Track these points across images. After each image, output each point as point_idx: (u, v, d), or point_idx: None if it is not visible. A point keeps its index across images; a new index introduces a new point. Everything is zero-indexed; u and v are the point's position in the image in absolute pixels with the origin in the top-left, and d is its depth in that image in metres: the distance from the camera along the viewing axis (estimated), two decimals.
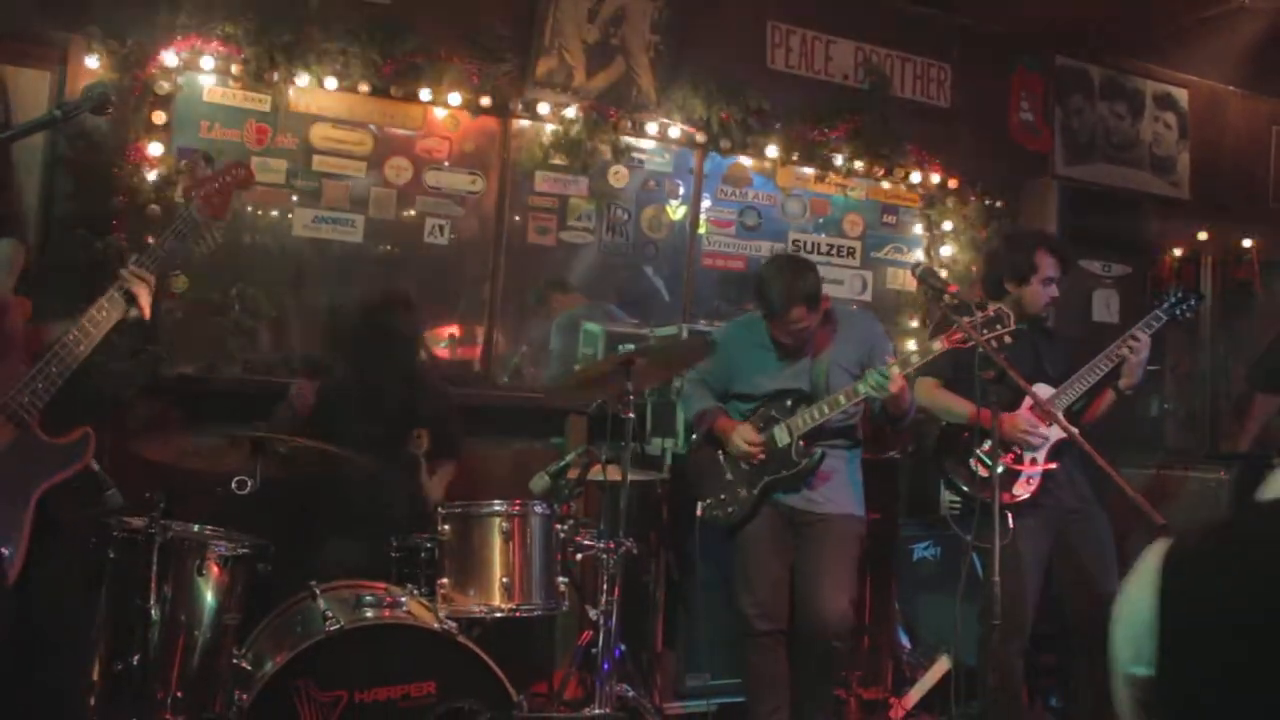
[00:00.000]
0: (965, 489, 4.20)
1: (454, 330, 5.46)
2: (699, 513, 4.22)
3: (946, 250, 6.26)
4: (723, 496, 4.17)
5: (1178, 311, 4.25)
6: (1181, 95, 7.45)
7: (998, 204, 6.30)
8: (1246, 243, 7.40)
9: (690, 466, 4.41)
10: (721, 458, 4.21)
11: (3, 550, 2.69)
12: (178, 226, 3.29)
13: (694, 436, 4.44)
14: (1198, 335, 7.24)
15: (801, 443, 4.04)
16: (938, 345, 3.86)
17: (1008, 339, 3.81)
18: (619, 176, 5.65)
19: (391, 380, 4.27)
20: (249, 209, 4.97)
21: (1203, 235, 7.33)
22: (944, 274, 5.90)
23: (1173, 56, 7.13)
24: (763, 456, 4.07)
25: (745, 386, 4.24)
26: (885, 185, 6.24)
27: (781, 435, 4.07)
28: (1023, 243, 4.51)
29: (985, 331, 3.71)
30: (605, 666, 3.76)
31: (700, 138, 5.65)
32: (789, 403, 4.10)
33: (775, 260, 4.42)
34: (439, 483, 4.35)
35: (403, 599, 3.50)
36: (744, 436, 4.10)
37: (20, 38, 4.48)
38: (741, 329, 4.38)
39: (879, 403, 4.04)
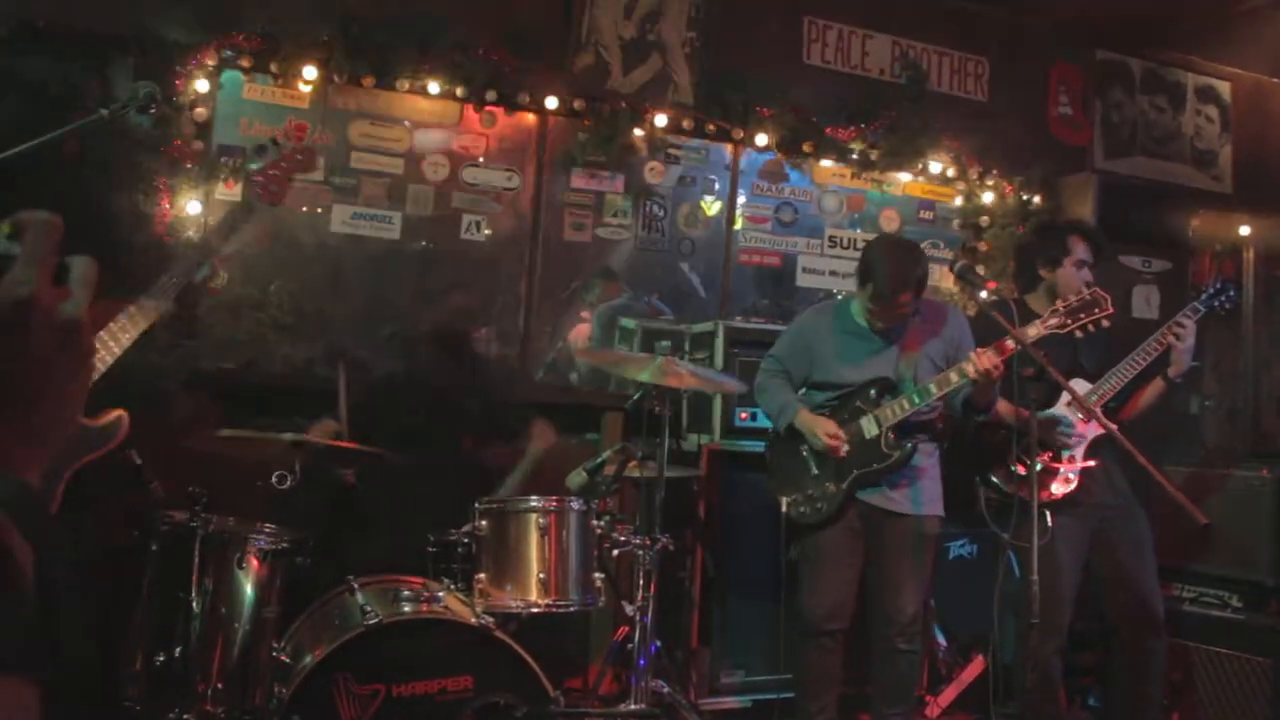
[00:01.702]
0: (1003, 487, 4.17)
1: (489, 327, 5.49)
2: (784, 509, 4.12)
3: (983, 246, 6.22)
4: (810, 493, 4.06)
5: (1216, 303, 4.21)
6: (1224, 88, 7.35)
7: (1036, 199, 6.26)
8: None
9: (770, 462, 4.28)
10: (805, 452, 4.10)
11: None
12: (234, 214, 3.31)
13: (771, 431, 4.34)
14: (1239, 331, 7.14)
15: (891, 435, 3.95)
16: (1033, 332, 3.78)
17: (1105, 323, 3.78)
18: (655, 172, 5.66)
19: (447, 386, 4.30)
20: (288, 206, 5.00)
21: (1245, 229, 7.23)
22: (982, 270, 5.86)
23: (1215, 49, 7.03)
24: (847, 450, 3.96)
25: (827, 375, 4.12)
26: (922, 180, 6.21)
27: (870, 426, 3.96)
28: (1055, 229, 4.51)
29: (1082, 315, 3.70)
30: (641, 662, 3.77)
31: (736, 134, 5.63)
32: (874, 393, 4.00)
33: (884, 242, 4.28)
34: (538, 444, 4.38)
35: (440, 594, 3.51)
36: (826, 430, 3.97)
37: (63, 36, 4.53)
38: (825, 315, 4.28)
39: (962, 396, 3.96)
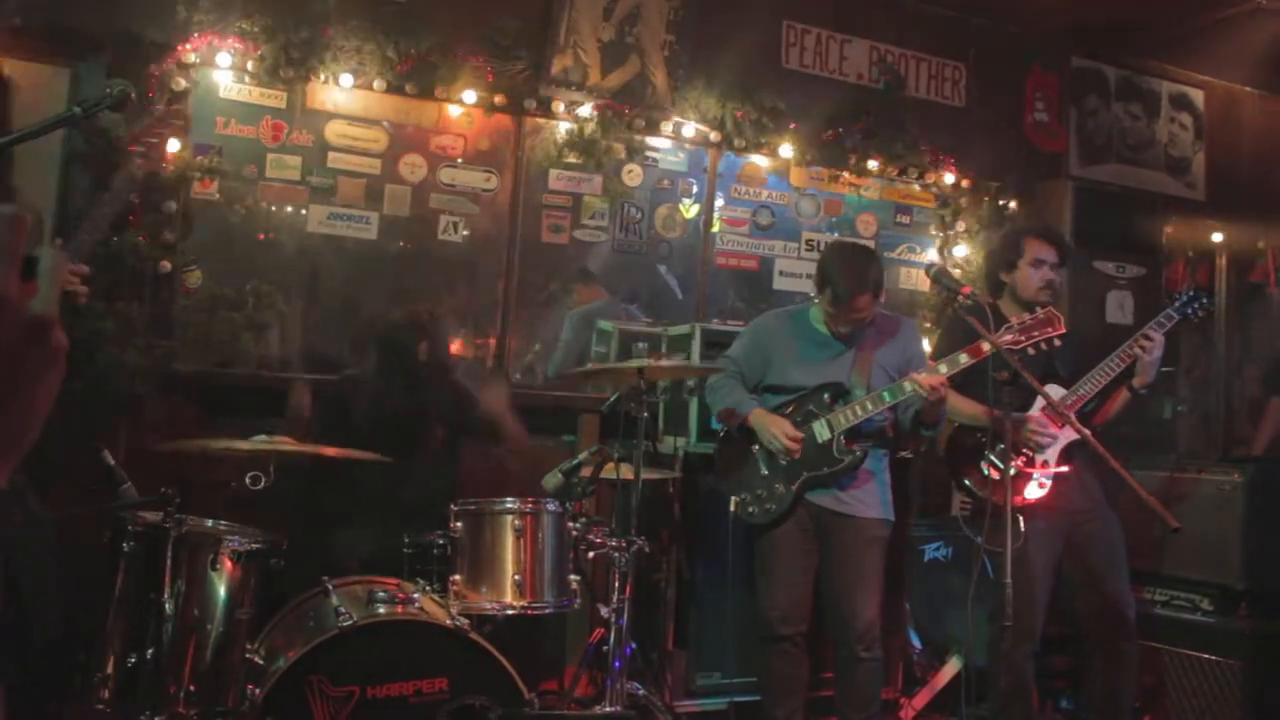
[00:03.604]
0: (977, 491, 4.19)
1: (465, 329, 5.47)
2: (733, 509, 4.16)
3: (960, 250, 6.26)
4: (760, 493, 4.10)
5: (1189, 311, 4.25)
6: (1198, 96, 7.42)
7: (1011, 204, 6.30)
8: (1262, 244, 7.38)
9: (719, 461, 4.32)
10: (755, 452, 4.13)
11: None
12: (119, 188, 3.26)
13: (722, 430, 4.36)
14: (1212, 337, 7.21)
15: (844, 440, 3.99)
16: (986, 348, 3.82)
17: (1057, 342, 3.83)
18: (633, 175, 5.66)
19: (413, 384, 4.29)
20: (264, 205, 4.99)
21: (1218, 237, 7.30)
22: (957, 274, 5.89)
23: (1189, 57, 7.10)
24: (798, 453, 4.00)
25: (780, 379, 4.16)
26: (899, 185, 6.23)
27: (822, 430, 3.99)
28: (1010, 233, 4.59)
29: (1035, 333, 3.75)
30: (616, 664, 3.77)
31: (714, 137, 5.65)
32: (827, 397, 4.03)
33: (840, 246, 4.35)
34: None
35: (415, 595, 3.51)
36: (784, 431, 4.00)
37: (38, 34, 4.50)
38: (783, 319, 4.33)
39: (913, 409, 4.01)
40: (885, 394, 3.92)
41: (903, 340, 4.18)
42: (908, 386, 3.87)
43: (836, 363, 4.11)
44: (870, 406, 3.94)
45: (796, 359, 4.15)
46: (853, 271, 3.96)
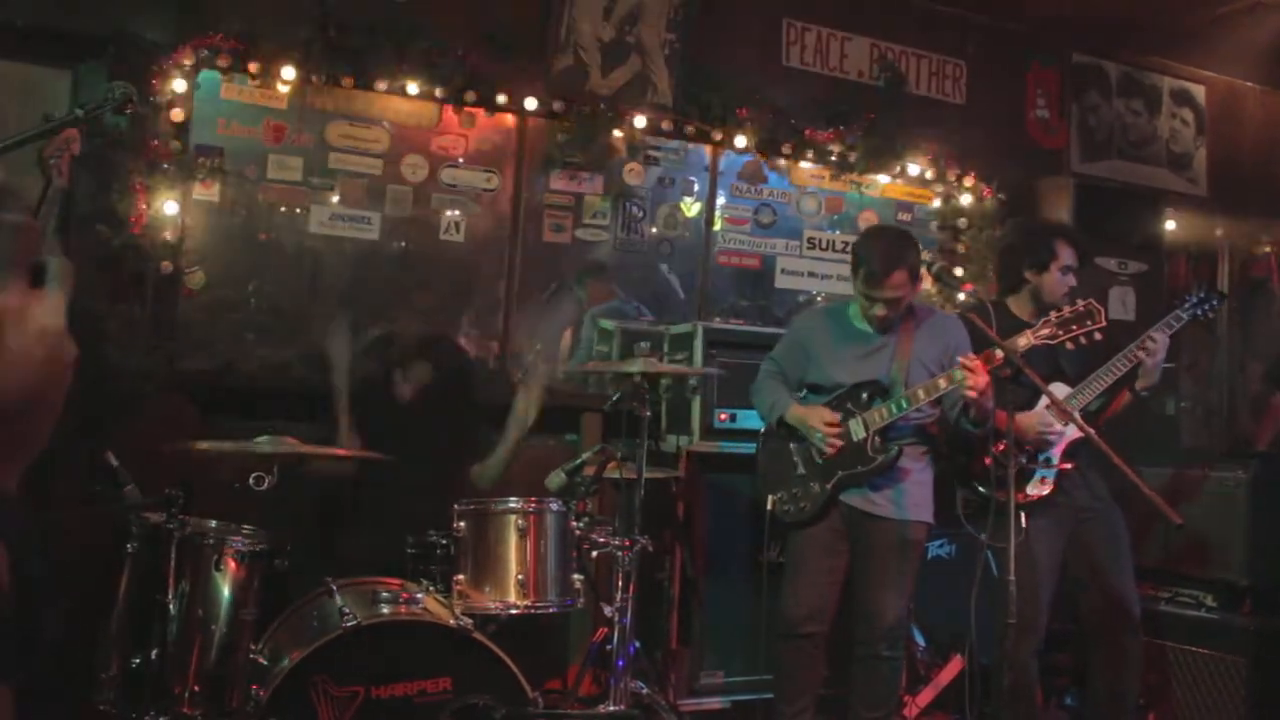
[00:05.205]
0: (980, 488, 4.18)
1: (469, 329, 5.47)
2: (769, 507, 4.16)
3: (961, 248, 6.24)
4: (795, 491, 4.09)
5: (1199, 312, 4.22)
6: (1199, 92, 7.41)
7: (1013, 201, 6.28)
8: (1264, 240, 7.37)
9: (759, 459, 4.32)
10: (793, 450, 4.13)
11: None
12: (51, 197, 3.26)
13: (762, 429, 4.35)
14: (1215, 333, 7.20)
15: (878, 439, 3.96)
16: (1023, 342, 3.80)
17: (1098, 335, 3.81)
18: (634, 174, 5.66)
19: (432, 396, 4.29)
20: (266, 206, 4.99)
21: (1220, 232, 7.29)
22: (959, 272, 5.88)
23: (1190, 52, 7.09)
24: (839, 442, 3.98)
25: (820, 377, 4.13)
26: (900, 182, 6.22)
27: (857, 429, 3.97)
28: (1041, 232, 4.53)
29: (1074, 327, 3.73)
30: (620, 663, 3.77)
31: (715, 135, 5.64)
32: (865, 396, 4.01)
33: (875, 229, 4.37)
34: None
35: (419, 595, 3.50)
36: (821, 418, 3.98)
37: (39, 36, 4.50)
38: (822, 317, 4.32)
39: (959, 406, 3.96)
40: (921, 391, 3.89)
41: (943, 334, 4.09)
42: (942, 384, 3.83)
43: (875, 357, 4.06)
44: (905, 404, 3.91)
45: (834, 354, 4.12)
46: (886, 249, 3.93)
